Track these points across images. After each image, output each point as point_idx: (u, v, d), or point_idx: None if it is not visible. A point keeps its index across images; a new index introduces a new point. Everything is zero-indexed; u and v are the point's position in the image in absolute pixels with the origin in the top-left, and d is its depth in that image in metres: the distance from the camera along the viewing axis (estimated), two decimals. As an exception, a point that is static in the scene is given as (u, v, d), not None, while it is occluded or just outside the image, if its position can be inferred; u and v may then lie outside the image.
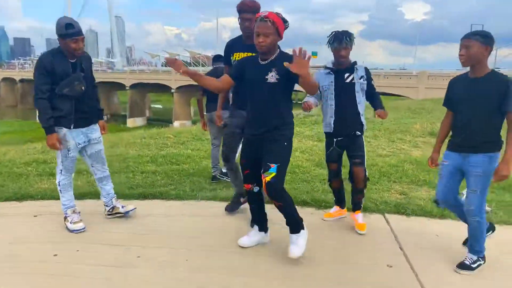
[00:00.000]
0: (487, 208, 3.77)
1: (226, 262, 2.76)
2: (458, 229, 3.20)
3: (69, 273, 2.59)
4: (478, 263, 2.71)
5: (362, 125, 3.25)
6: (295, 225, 2.76)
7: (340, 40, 3.07)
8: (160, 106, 65.57)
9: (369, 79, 3.26)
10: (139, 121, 47.37)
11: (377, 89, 3.46)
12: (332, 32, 3.17)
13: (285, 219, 2.76)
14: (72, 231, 3.18)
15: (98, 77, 53.65)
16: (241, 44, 3.33)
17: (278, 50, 2.67)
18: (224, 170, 4.58)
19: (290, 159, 2.84)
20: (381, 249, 3.03)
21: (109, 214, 3.44)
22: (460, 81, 2.68)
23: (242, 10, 3.24)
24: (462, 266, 2.70)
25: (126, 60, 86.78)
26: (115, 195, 3.50)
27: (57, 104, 3.02)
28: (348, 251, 3.00)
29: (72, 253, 2.85)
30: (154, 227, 3.30)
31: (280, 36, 2.62)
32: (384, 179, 4.78)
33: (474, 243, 2.74)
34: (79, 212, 3.31)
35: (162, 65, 73.93)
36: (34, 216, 3.50)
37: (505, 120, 2.51)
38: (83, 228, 3.20)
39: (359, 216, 3.38)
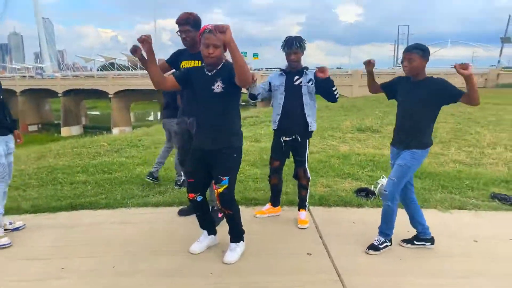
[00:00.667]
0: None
1: (153, 265, 2.82)
2: (373, 216, 3.54)
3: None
4: (385, 244, 3.04)
5: (307, 124, 3.43)
6: (237, 234, 2.94)
7: (291, 45, 3.30)
8: (97, 113, 62.57)
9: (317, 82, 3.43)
10: (75, 130, 44.76)
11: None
12: (286, 37, 3.36)
13: (229, 228, 2.93)
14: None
15: (26, 84, 50.51)
16: (188, 53, 3.41)
17: (224, 60, 2.74)
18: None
19: None
20: (303, 239, 3.26)
21: None
22: (404, 82, 3.03)
23: (178, 23, 3.32)
24: (371, 247, 3.02)
25: (57, 65, 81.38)
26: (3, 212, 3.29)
27: None
28: (272, 243, 3.19)
29: (-10, 272, 2.73)
30: (81, 238, 3.25)
31: (225, 48, 2.65)
32: (312, 174, 5.08)
33: (383, 226, 3.06)
34: (3, 226, 3.20)
35: (98, 70, 70.52)
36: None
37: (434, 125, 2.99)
38: (8, 243, 3.10)
39: (302, 214, 3.60)
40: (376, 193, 4.25)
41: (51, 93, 48.71)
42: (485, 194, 4.44)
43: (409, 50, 2.88)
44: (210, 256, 2.95)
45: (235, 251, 2.90)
